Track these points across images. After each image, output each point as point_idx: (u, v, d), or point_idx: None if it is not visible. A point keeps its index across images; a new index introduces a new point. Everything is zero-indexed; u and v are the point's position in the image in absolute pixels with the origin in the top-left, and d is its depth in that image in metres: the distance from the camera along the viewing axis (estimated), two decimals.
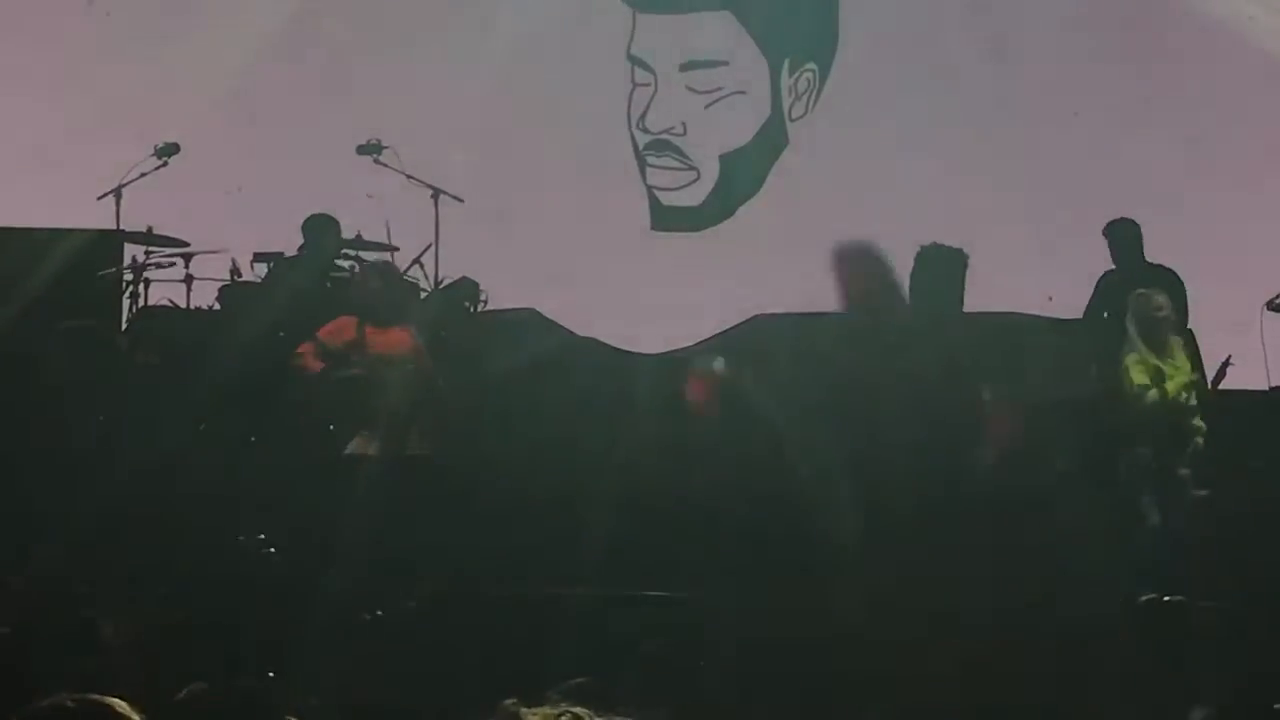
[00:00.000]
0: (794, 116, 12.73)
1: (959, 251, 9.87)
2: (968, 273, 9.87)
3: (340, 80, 12.67)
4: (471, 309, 11.68)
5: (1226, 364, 10.75)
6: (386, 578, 9.52)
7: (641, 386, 10.62)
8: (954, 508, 9.18)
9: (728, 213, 12.70)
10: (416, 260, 11.79)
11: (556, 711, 3.41)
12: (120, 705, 3.49)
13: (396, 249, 11.89)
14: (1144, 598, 9.79)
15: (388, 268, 11.44)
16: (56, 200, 12.05)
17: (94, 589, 8.91)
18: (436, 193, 11.87)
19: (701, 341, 11.60)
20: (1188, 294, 11.17)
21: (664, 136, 12.66)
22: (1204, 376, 10.67)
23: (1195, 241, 11.78)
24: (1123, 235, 11.49)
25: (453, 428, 10.71)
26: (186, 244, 11.66)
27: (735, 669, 8.49)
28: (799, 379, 9.94)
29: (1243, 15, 12.38)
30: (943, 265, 9.87)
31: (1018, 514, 9.34)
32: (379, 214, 11.91)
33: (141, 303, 11.57)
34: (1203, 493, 10.21)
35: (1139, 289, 10.59)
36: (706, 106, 12.63)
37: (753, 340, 11.28)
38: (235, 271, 11.58)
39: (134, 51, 12.66)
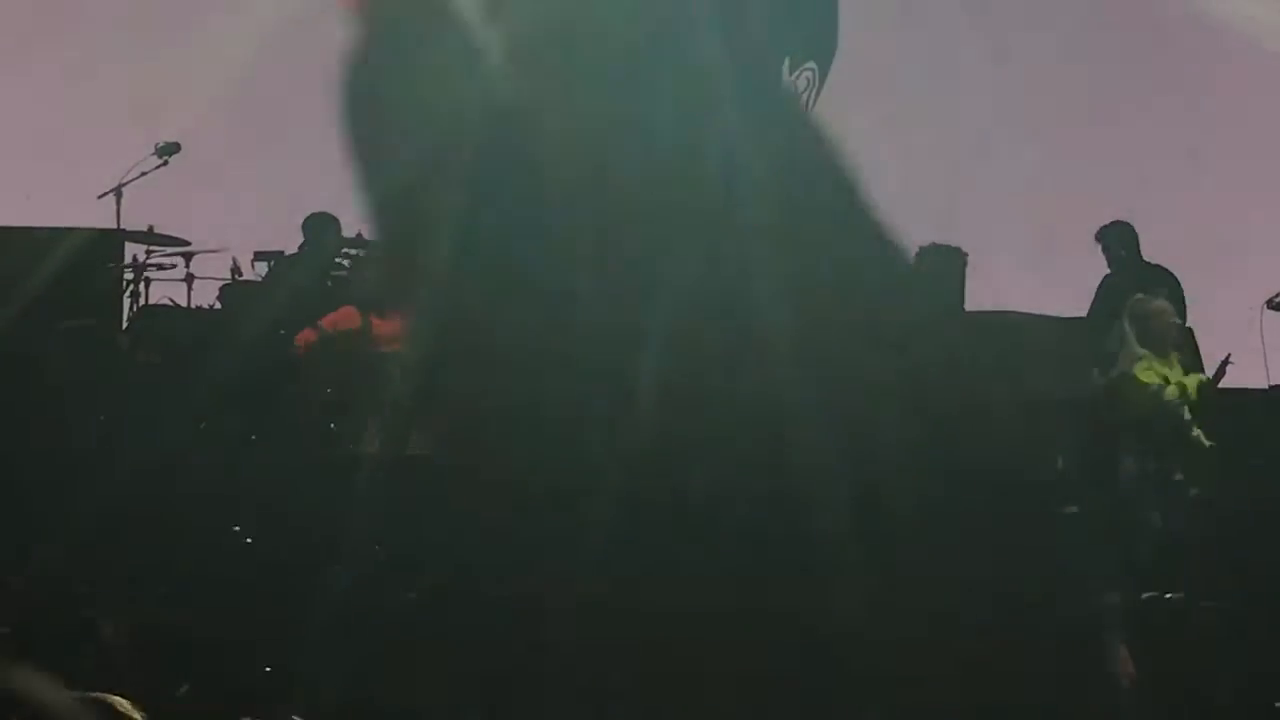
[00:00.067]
0: None
1: (959, 251, 9.87)
2: (968, 271, 9.89)
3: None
4: None
5: (1226, 363, 10.75)
6: (387, 573, 9.52)
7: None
8: (954, 507, 9.17)
9: None
10: None
11: None
12: (121, 704, 3.49)
13: None
14: (1144, 597, 9.80)
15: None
16: (56, 200, 12.06)
17: (94, 589, 8.91)
18: None
19: None
20: (1185, 295, 11.18)
21: None
22: (1205, 376, 10.67)
23: (1195, 241, 11.78)
24: (1117, 238, 11.45)
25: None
26: (187, 243, 11.67)
27: (735, 669, 8.48)
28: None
29: (1243, 15, 12.39)
30: (942, 264, 9.87)
31: (1018, 514, 9.33)
32: None
33: (142, 302, 11.58)
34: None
35: (1138, 293, 10.59)
36: None
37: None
38: (236, 270, 11.59)
39: (134, 51, 12.66)
